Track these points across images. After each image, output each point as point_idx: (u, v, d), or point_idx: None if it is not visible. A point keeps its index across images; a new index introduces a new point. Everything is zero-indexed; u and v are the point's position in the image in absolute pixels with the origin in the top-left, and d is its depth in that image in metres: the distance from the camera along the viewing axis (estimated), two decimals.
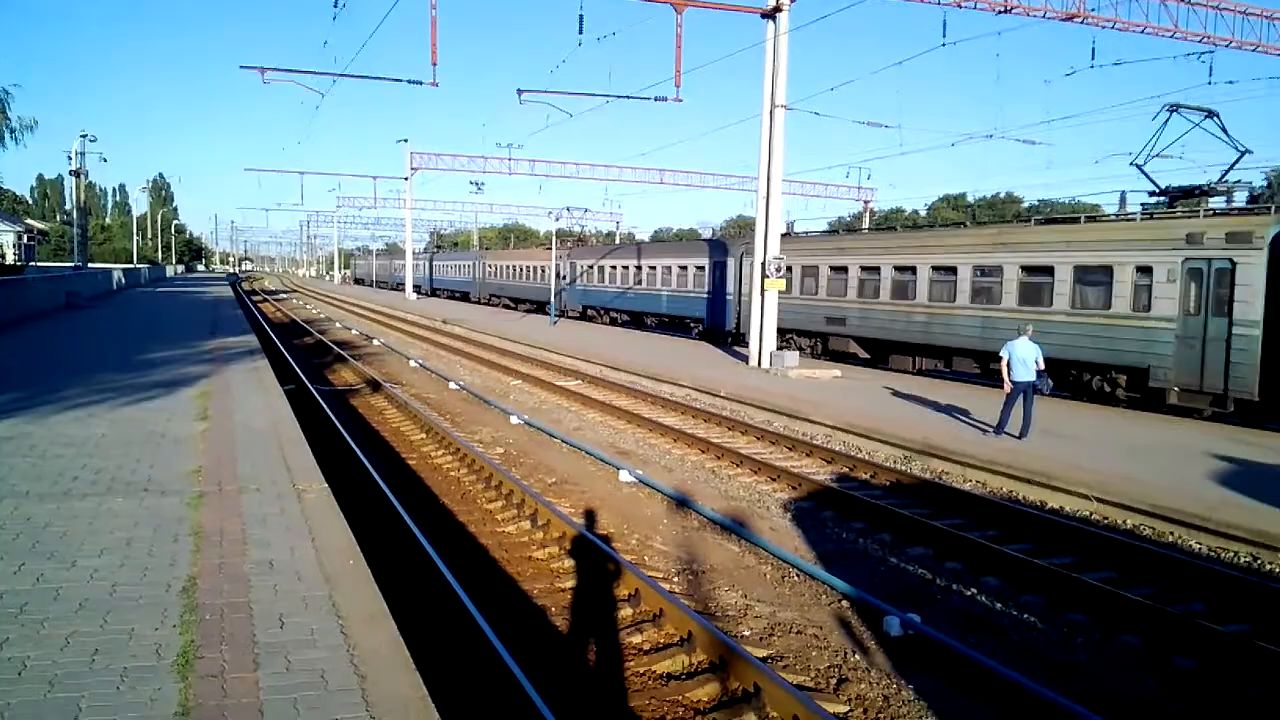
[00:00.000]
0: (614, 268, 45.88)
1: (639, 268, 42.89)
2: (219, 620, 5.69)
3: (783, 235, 27.36)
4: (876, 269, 25.76)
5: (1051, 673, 7.30)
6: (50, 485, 8.96)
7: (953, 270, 23.12)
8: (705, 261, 36.88)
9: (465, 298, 72.18)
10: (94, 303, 43.27)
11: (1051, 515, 11.49)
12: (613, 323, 45.46)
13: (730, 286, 33.87)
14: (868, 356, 26.93)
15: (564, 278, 50.34)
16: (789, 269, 27.21)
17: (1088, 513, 11.73)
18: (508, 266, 62.41)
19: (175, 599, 6.04)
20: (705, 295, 36.57)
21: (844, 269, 27.12)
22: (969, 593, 9.17)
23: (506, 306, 59.86)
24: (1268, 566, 9.76)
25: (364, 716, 4.57)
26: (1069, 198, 69.84)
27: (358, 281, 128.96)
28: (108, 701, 4.68)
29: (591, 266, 47.87)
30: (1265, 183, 55.16)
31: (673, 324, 40.43)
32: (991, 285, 22.08)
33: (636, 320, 43.59)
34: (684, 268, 38.66)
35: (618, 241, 71.75)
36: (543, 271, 52.13)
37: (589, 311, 48.42)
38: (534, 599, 8.75)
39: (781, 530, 11.26)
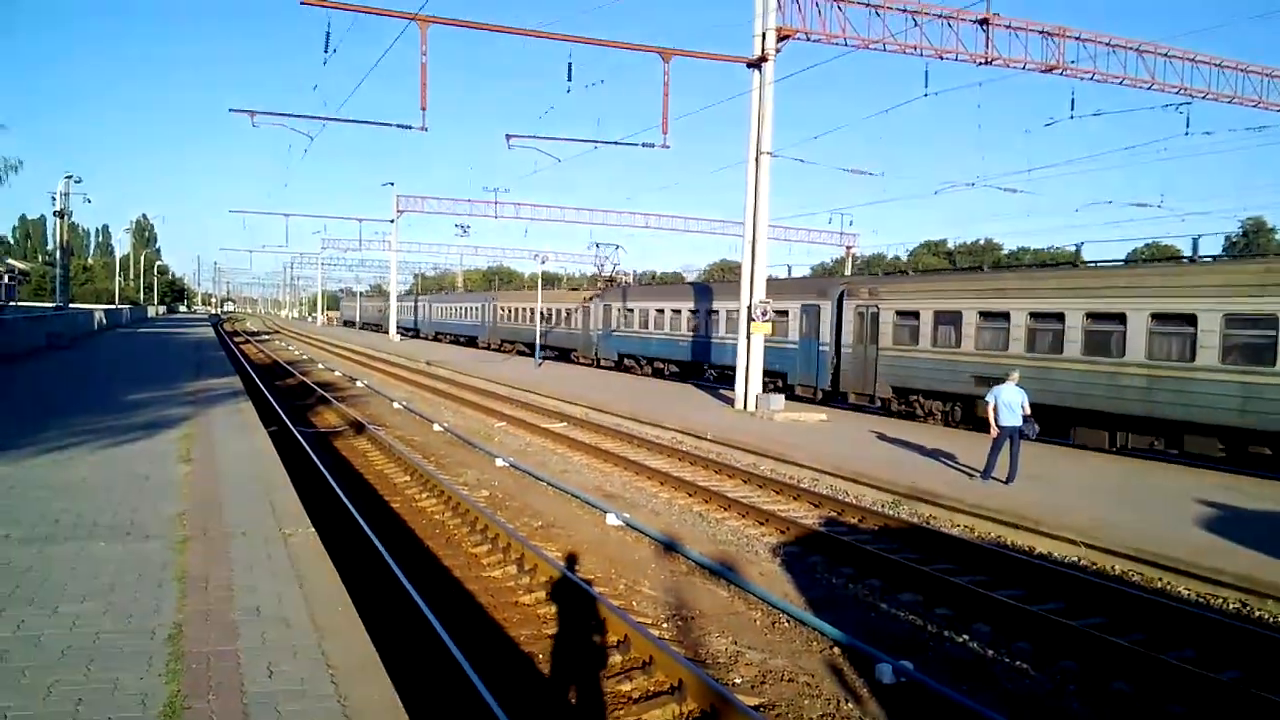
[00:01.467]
0: (662, 311, 39.41)
1: (699, 311, 36.15)
2: (205, 669, 5.57)
3: (899, 273, 26.38)
4: (1058, 316, 20.01)
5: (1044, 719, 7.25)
6: (30, 529, 8.81)
7: (1188, 320, 17.56)
8: (794, 305, 29.68)
9: (472, 343, 66.32)
10: (75, 343, 42.89)
11: (1040, 560, 11.48)
12: (657, 374, 39.68)
13: (826, 335, 27.84)
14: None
15: (595, 323, 45.48)
16: (912, 314, 23.92)
17: (1076, 558, 11.73)
18: (527, 310, 55.13)
19: (160, 647, 5.92)
20: (794, 345, 29.41)
21: (1004, 315, 21.37)
22: (960, 639, 9.12)
23: (521, 353, 54.73)
24: (1257, 613, 9.77)
25: None
26: (1049, 245, 70.86)
27: (347, 324, 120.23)
28: None
29: (632, 310, 41.55)
30: (1240, 230, 56.20)
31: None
32: (1255, 340, 16.64)
33: (691, 371, 37.38)
34: (780, 311, 29.57)
35: (648, 282, 66.98)
36: (568, 316, 48.60)
37: (626, 361, 42.57)
38: (521, 646, 8.64)
39: (771, 575, 11.19)
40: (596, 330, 45.19)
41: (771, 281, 28.33)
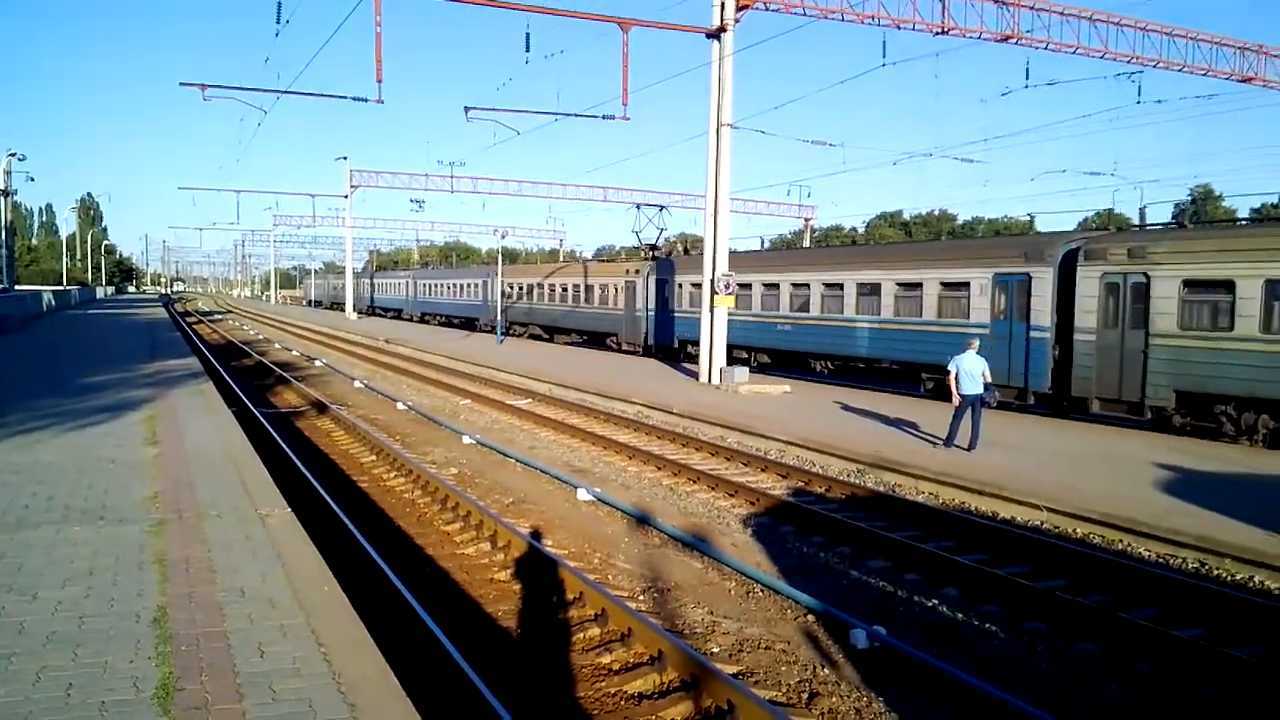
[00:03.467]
0: (774, 286, 28.89)
1: (834, 285, 26.34)
2: (195, 650, 5.58)
3: (1177, 225, 20.82)
4: None
5: (1015, 680, 7.49)
6: (1, 514, 8.69)
7: None
8: (979, 275, 21.70)
9: (469, 325, 57.95)
10: (24, 326, 41.93)
11: (1004, 525, 11.78)
12: (762, 367, 29.71)
13: (1040, 316, 20.04)
14: None
15: (642, 301, 37.51)
16: (1219, 286, 16.79)
17: (1039, 522, 12.05)
18: (548, 288, 47.74)
19: (147, 630, 5.91)
20: (982, 329, 20.47)
21: None
22: (930, 603, 9.36)
23: (535, 337, 48.64)
24: (1215, 571, 10.13)
25: None
26: (1004, 215, 71.80)
27: (314, 304, 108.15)
28: None
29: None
30: (1189, 197, 57.44)
31: (900, 374, 25.16)
32: None
33: (788, 360, 29.39)
34: (953, 285, 22.51)
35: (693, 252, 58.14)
36: (603, 293, 40.87)
37: (690, 348, 31.97)
38: (499, 621, 8.72)
39: (743, 546, 11.37)
40: (646, 310, 36.96)
41: (949, 244, 27.54)
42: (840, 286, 26.01)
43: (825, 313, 26.61)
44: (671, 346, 35.18)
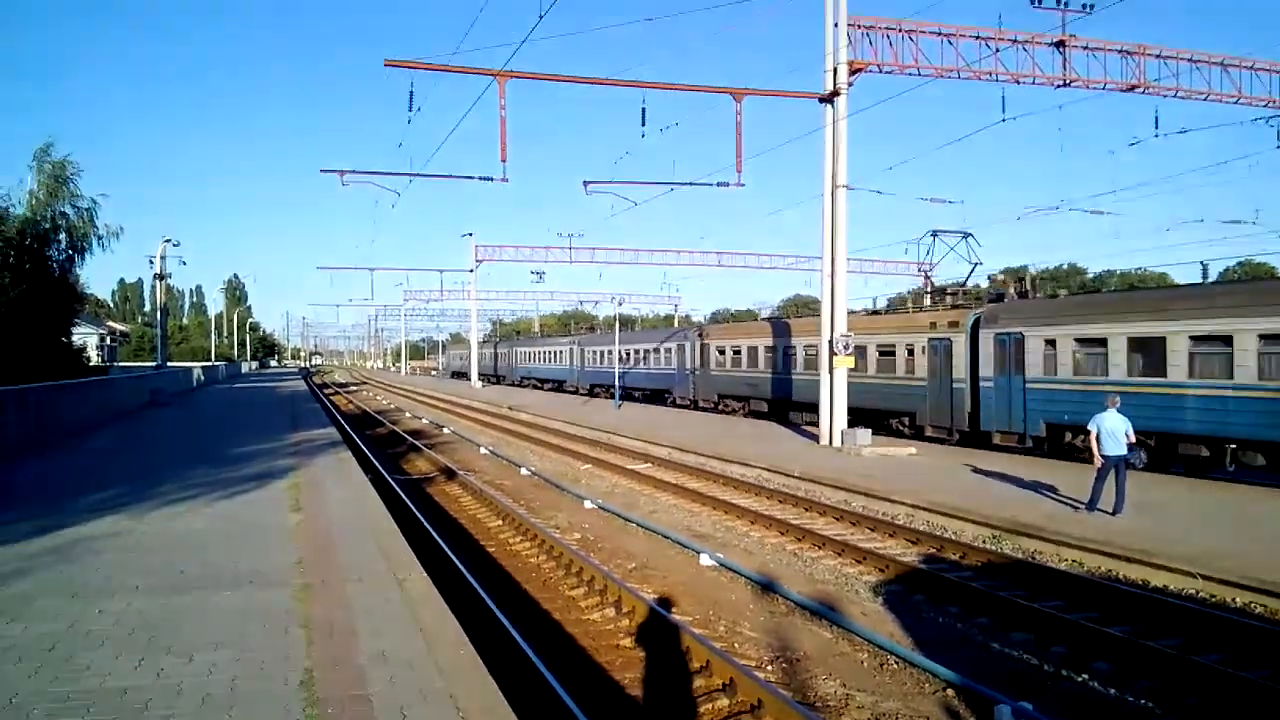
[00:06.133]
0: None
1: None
2: (341, 714, 5.76)
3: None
4: None
5: None
6: (159, 579, 9.22)
7: None
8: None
9: (658, 398, 48.55)
10: (176, 399, 44.71)
11: (1155, 594, 11.10)
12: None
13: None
14: None
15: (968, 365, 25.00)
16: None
17: (1193, 590, 11.31)
18: (780, 349, 35.40)
19: (295, 692, 6.14)
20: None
21: None
22: (1079, 678, 8.87)
23: (754, 415, 37.41)
24: None
25: None
26: (1135, 267, 68.88)
27: (456, 375, 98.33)
28: None
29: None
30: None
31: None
32: None
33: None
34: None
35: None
36: (893, 354, 28.46)
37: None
38: (626, 690, 8.67)
39: (873, 615, 11.03)
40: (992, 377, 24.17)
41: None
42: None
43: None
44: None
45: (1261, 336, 17.58)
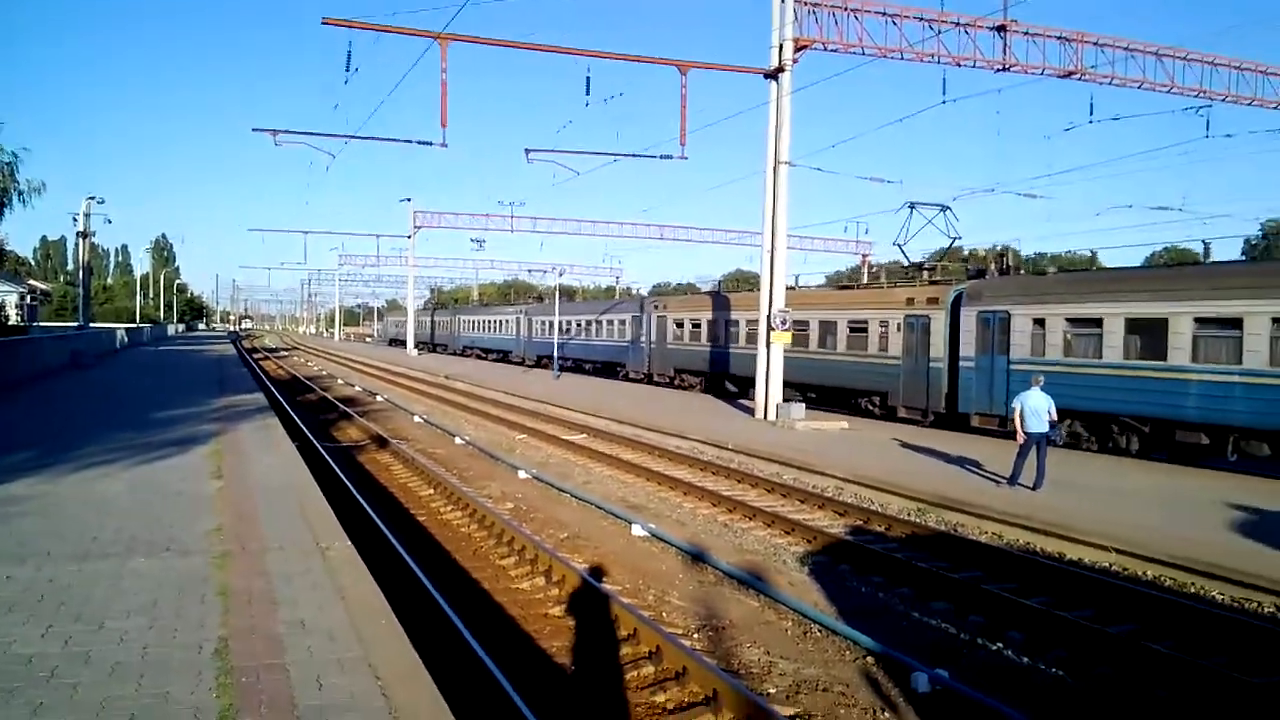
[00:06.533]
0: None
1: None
2: (255, 683, 5.65)
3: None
4: None
5: None
6: (72, 545, 8.94)
7: None
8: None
9: (610, 372, 47.20)
10: (99, 361, 43.34)
11: (1071, 567, 11.45)
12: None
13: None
14: None
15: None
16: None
17: (1107, 564, 11.69)
18: (742, 323, 33.14)
19: (209, 661, 6.00)
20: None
21: None
22: (994, 647, 9.11)
23: (712, 390, 35.86)
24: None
25: None
26: (1066, 250, 70.49)
27: (394, 343, 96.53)
28: None
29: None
30: (1261, 233, 55.85)
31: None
32: None
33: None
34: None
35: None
36: (885, 334, 26.32)
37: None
38: (554, 658, 8.68)
39: (800, 584, 11.20)
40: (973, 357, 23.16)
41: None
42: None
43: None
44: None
45: (1275, 320, 16.97)
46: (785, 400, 25.36)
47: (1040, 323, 21.45)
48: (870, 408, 27.11)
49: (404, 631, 6.62)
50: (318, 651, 6.17)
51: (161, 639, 6.44)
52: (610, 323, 48.02)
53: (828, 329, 28.13)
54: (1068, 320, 20.90)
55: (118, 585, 7.67)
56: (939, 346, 24.20)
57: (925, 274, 27.82)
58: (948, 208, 28.05)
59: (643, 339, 40.72)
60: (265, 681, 5.67)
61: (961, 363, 23.46)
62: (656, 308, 41.24)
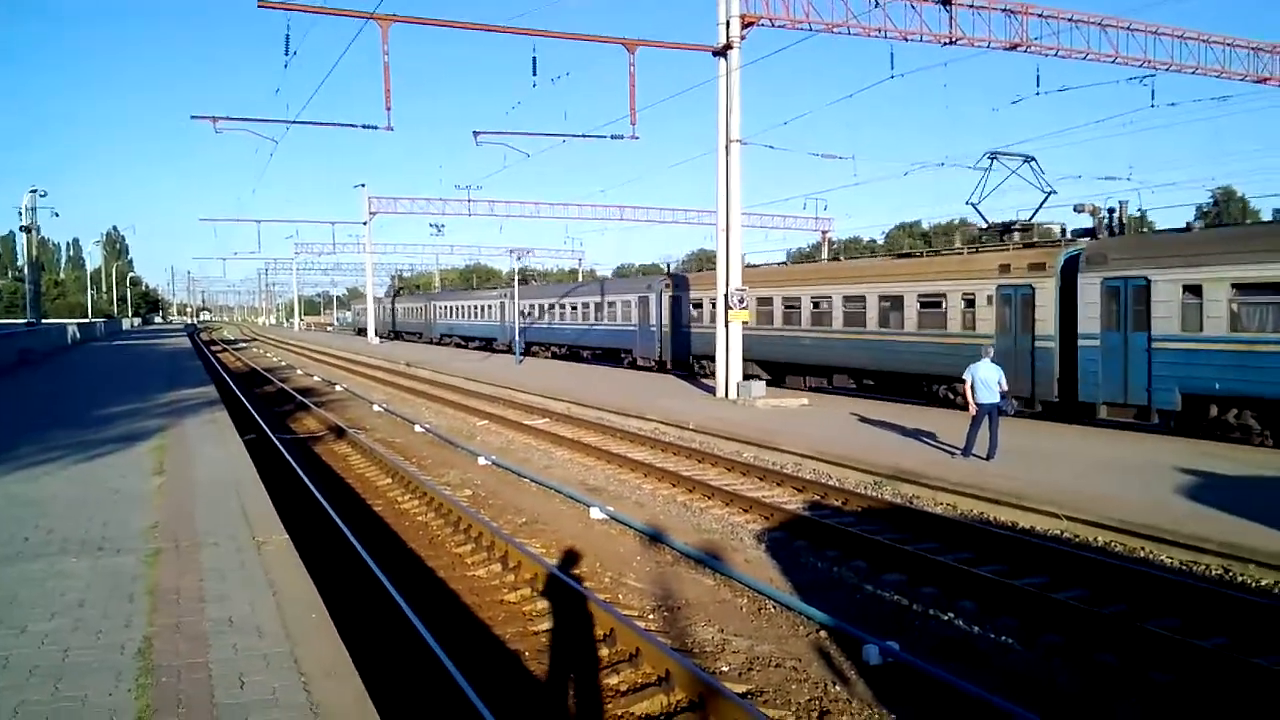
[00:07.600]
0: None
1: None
2: (175, 682, 5.46)
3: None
4: None
5: (1031, 695, 7.22)
6: (1, 548, 8.63)
7: None
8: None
9: (612, 360, 42.82)
10: (49, 359, 42.40)
11: (1023, 535, 11.49)
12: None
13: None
14: None
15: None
16: None
17: (1059, 531, 11.74)
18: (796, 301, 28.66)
19: (130, 661, 5.79)
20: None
21: None
22: (946, 617, 9.09)
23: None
24: (1240, 578, 9.79)
25: None
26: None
27: (361, 333, 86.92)
28: None
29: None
30: (1211, 200, 56.73)
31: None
32: None
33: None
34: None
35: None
36: (970, 309, 22.33)
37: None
38: (508, 644, 8.55)
39: (756, 562, 11.15)
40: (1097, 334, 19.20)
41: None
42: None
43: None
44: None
45: None
46: (851, 392, 23.60)
47: (1195, 290, 17.23)
48: (950, 396, 22.40)
49: (332, 623, 6.44)
50: (243, 648, 5.98)
51: (85, 640, 6.22)
52: (612, 305, 43.31)
53: (892, 305, 24.32)
54: (1234, 286, 16.71)
55: (44, 587, 7.42)
56: (1047, 322, 20.01)
57: (1017, 235, 23.42)
58: (1032, 158, 23.92)
59: (652, 322, 37.55)
60: (186, 680, 5.48)
61: (1081, 341, 19.25)
62: (678, 286, 36.99)
